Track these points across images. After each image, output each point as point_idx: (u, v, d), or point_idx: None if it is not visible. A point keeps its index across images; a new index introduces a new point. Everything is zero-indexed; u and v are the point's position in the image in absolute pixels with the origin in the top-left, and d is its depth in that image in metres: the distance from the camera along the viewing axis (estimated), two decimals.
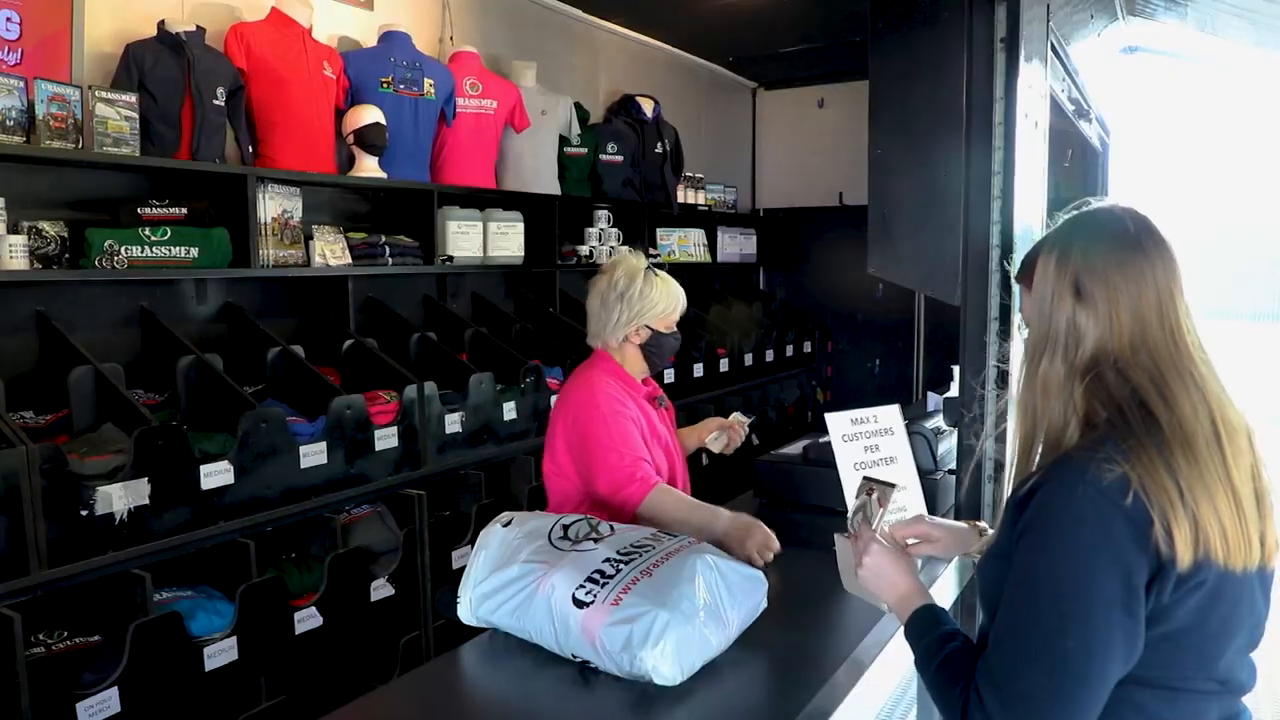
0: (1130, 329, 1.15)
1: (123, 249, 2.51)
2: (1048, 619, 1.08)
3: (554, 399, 3.40)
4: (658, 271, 2.28)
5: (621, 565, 1.50)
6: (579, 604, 1.45)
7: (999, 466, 2.14)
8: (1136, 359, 1.15)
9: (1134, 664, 1.09)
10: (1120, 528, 1.06)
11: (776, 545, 1.90)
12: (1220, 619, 1.11)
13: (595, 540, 1.58)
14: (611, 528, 1.63)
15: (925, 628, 1.26)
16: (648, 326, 2.25)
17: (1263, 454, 1.16)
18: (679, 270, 5.13)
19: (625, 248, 2.43)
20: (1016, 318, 2.01)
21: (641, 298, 2.22)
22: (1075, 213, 1.25)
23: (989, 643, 1.14)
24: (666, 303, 2.24)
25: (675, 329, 2.30)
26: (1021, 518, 1.14)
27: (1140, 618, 1.08)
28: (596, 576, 1.48)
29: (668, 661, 1.37)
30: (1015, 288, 1.98)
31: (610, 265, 2.28)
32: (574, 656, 1.47)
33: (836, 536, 1.52)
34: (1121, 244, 1.18)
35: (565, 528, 1.61)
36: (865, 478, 1.53)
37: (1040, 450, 1.21)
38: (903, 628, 1.31)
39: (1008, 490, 1.25)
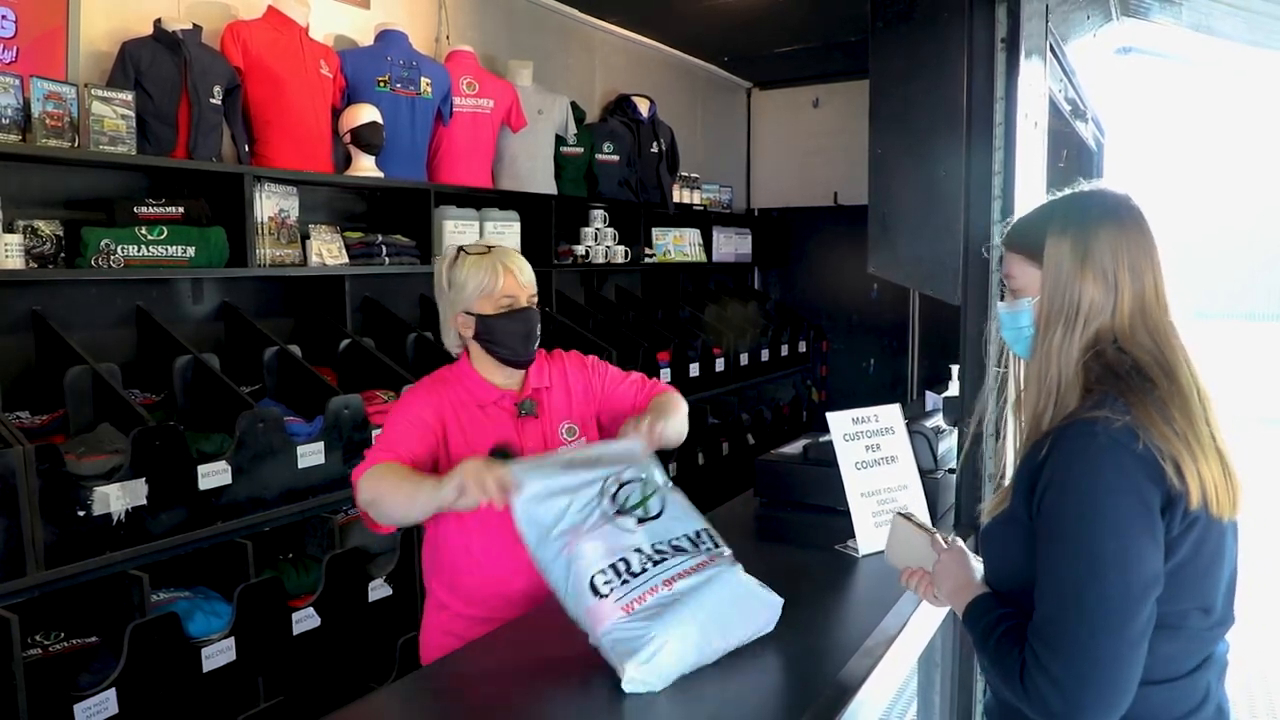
0: (1131, 309, 1.23)
1: (119, 248, 2.50)
2: (1083, 565, 1.14)
3: None
4: (486, 249, 1.88)
5: (649, 565, 1.45)
6: (595, 591, 1.42)
7: (999, 465, 2.14)
8: (1135, 337, 1.22)
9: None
10: (1135, 466, 1.14)
11: (491, 480, 1.50)
12: (1209, 556, 1.20)
13: (640, 519, 1.51)
14: (663, 504, 1.55)
15: (982, 611, 1.31)
16: (467, 313, 1.84)
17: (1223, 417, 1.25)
18: (675, 270, 5.19)
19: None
20: (993, 288, 2.01)
21: (451, 284, 1.85)
22: (1077, 191, 1.31)
23: (1036, 603, 1.19)
24: (478, 278, 1.82)
25: (514, 305, 1.85)
26: (1039, 479, 1.20)
27: (1163, 546, 1.15)
28: (621, 567, 1.43)
29: (652, 677, 1.37)
30: (994, 251, 2.02)
31: None
32: (573, 617, 1.45)
33: (896, 515, 1.53)
34: (1128, 227, 1.25)
35: (621, 485, 1.53)
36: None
37: (1048, 417, 1.26)
38: (962, 617, 1.36)
39: (1009, 457, 1.31)
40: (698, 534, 1.55)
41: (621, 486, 1.53)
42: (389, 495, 1.68)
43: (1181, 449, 1.14)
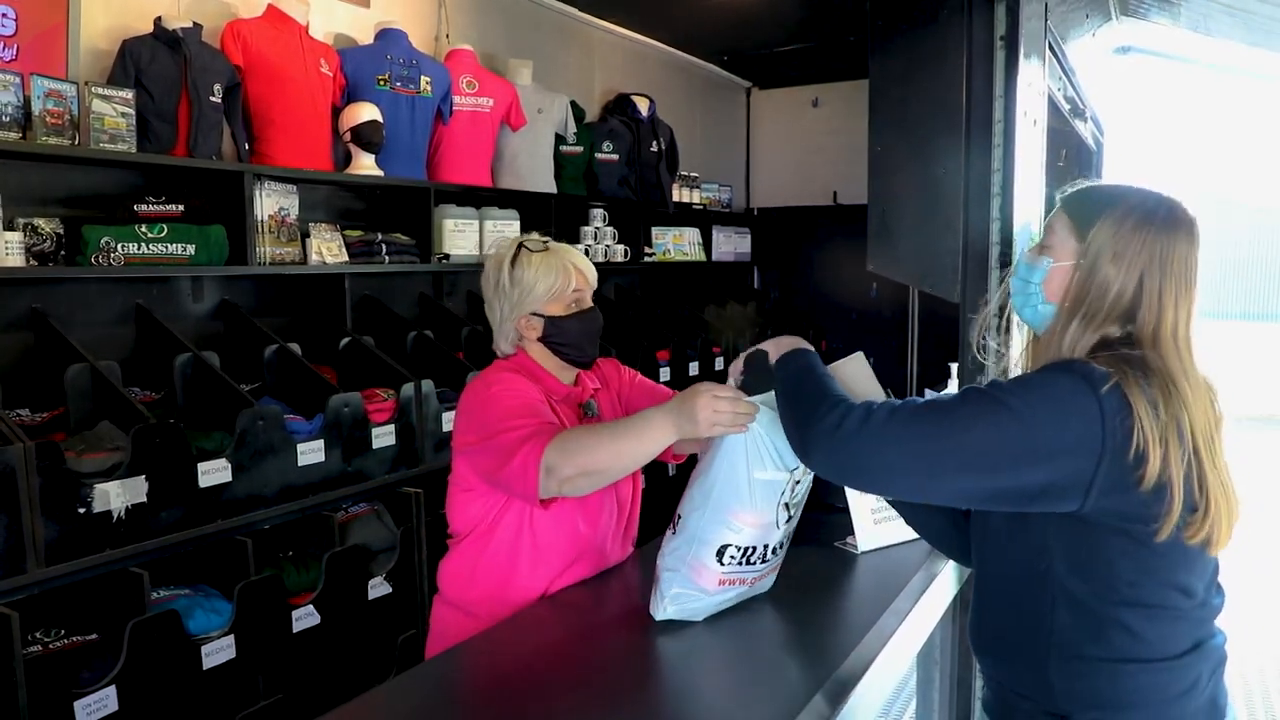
0: (1162, 325, 1.22)
1: (119, 246, 2.50)
2: (981, 403, 1.19)
3: None
4: (544, 245, 1.81)
5: (760, 560, 1.56)
6: (718, 557, 1.51)
7: None
8: (1159, 350, 1.21)
9: (945, 502, 1.26)
10: (1087, 404, 1.14)
11: (726, 396, 1.47)
12: (1197, 549, 1.21)
13: (790, 518, 1.58)
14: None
15: (816, 359, 1.40)
16: (536, 314, 1.78)
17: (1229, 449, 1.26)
18: (674, 269, 5.20)
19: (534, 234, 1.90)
20: (1019, 253, 2.00)
21: (515, 284, 1.77)
22: (1150, 190, 1.29)
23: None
24: (548, 279, 1.75)
25: (583, 305, 1.81)
26: None
27: (1017, 493, 1.18)
28: (750, 552, 1.53)
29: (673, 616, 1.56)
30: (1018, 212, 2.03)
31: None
32: (672, 526, 1.56)
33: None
34: (1182, 247, 1.23)
35: (799, 482, 1.55)
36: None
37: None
38: (791, 352, 1.44)
39: None
40: (790, 535, 1.64)
41: (803, 478, 1.57)
42: (610, 455, 1.53)
43: (1151, 414, 1.14)
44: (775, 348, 1.50)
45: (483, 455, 1.65)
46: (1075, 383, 1.16)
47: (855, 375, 1.51)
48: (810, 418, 1.26)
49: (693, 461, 1.96)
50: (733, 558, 1.52)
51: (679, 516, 1.57)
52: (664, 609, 1.55)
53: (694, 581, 1.53)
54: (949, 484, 1.19)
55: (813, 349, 1.46)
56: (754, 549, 1.53)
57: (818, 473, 1.31)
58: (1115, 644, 1.22)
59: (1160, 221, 1.23)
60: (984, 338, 1.73)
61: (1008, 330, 1.94)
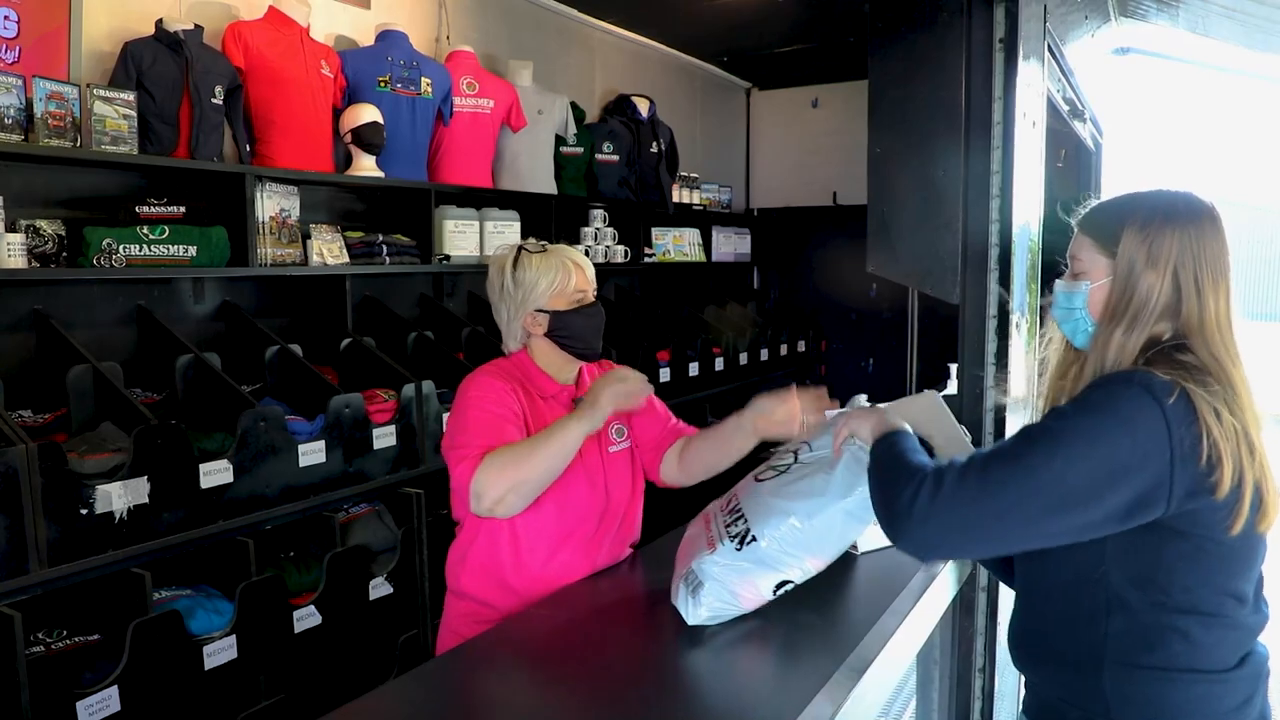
0: (1202, 318, 1.23)
1: (121, 248, 2.51)
2: (1041, 446, 1.16)
3: None
4: (542, 246, 1.91)
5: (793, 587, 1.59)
6: (775, 588, 1.53)
7: None
8: (1202, 344, 1.22)
9: (1056, 540, 1.20)
10: (1153, 418, 1.13)
11: (628, 378, 1.74)
12: (1249, 546, 1.22)
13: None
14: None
15: (907, 439, 1.35)
16: (540, 310, 1.86)
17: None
18: (674, 270, 5.20)
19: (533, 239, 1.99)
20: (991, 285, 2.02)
21: (517, 285, 1.86)
22: (1163, 191, 1.30)
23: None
24: (549, 276, 1.85)
25: (585, 301, 1.89)
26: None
27: (1138, 506, 1.15)
28: (800, 583, 1.56)
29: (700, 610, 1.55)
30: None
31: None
32: (737, 541, 1.53)
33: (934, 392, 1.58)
34: (1209, 236, 1.25)
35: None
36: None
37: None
38: (883, 435, 1.38)
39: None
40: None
41: None
42: (530, 466, 1.66)
43: (1215, 421, 1.14)
44: (867, 423, 1.43)
45: (448, 463, 1.77)
46: (1138, 394, 1.15)
47: (925, 415, 1.48)
48: (889, 504, 1.25)
49: (696, 483, 1.97)
50: (786, 591, 1.55)
51: (753, 537, 1.52)
52: (698, 615, 1.54)
53: (737, 598, 1.54)
54: (1041, 528, 1.16)
55: (900, 429, 1.38)
56: (791, 582, 1.56)
57: (911, 555, 1.27)
58: (1172, 652, 1.21)
59: (1182, 215, 1.25)
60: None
61: (1005, 335, 1.95)
